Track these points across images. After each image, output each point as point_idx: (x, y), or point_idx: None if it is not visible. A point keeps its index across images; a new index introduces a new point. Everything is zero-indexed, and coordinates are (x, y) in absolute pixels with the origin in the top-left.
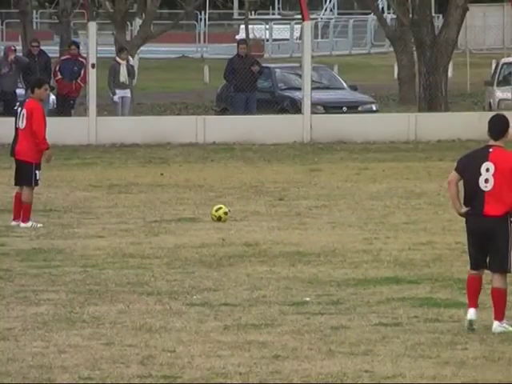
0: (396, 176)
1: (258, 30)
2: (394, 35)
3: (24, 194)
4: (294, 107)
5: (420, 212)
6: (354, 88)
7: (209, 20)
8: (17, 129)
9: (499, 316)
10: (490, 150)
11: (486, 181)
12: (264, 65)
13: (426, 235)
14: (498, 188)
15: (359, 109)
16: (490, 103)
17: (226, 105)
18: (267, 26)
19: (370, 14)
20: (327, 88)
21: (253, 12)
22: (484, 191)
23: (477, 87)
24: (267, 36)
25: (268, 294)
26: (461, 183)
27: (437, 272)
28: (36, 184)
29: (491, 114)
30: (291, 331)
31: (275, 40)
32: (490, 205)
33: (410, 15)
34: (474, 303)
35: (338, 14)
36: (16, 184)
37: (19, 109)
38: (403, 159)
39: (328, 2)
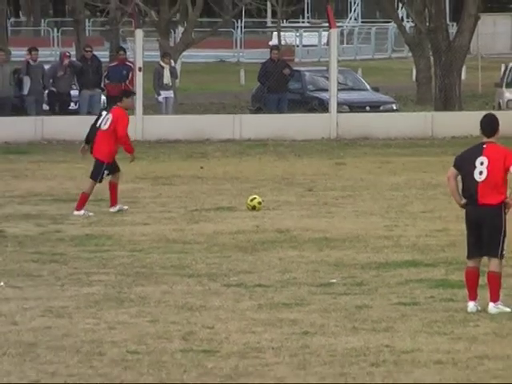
0: (414, 169)
1: (289, 37)
2: (412, 41)
3: (87, 185)
4: (322, 107)
5: (436, 202)
6: (376, 89)
7: (244, 28)
8: (97, 129)
9: (494, 297)
10: (484, 146)
11: (481, 173)
12: (294, 68)
13: (442, 223)
14: (491, 178)
15: (381, 108)
16: (499, 103)
17: (260, 104)
18: (297, 33)
19: (390, 22)
20: (352, 89)
21: (284, 20)
22: (478, 182)
23: (487, 88)
24: (297, 42)
25: (298, 276)
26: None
27: (451, 256)
28: (100, 181)
29: (501, 112)
30: (319, 310)
31: (305, 46)
32: (484, 194)
33: (427, 23)
34: (473, 296)
35: (362, 22)
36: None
37: (104, 112)
38: (421, 154)
39: (353, 11)
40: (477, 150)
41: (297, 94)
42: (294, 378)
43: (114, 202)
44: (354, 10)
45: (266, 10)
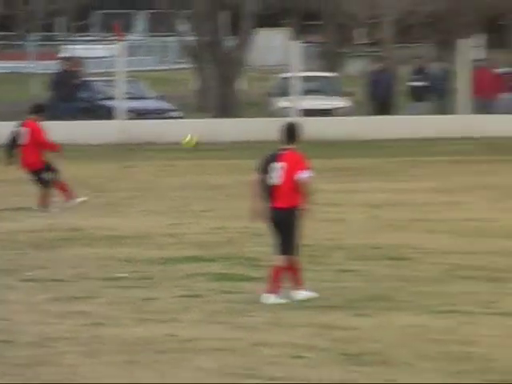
0: (198, 172)
1: (78, 49)
2: (193, 53)
3: None
4: (110, 114)
5: (216, 201)
6: (161, 98)
7: (37, 41)
8: None
9: (272, 289)
10: (282, 152)
11: (275, 178)
12: (84, 79)
13: (221, 221)
14: (284, 183)
15: (165, 115)
16: (272, 111)
17: (51, 113)
18: (87, 46)
19: (173, 35)
20: (138, 98)
21: (74, 34)
22: (272, 186)
23: (262, 97)
24: (87, 54)
25: (90, 271)
26: None
27: (229, 252)
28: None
29: (275, 119)
30: (109, 302)
31: (93, 58)
32: (278, 198)
33: (207, 37)
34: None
35: (148, 35)
36: None
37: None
38: (204, 157)
39: (139, 25)
40: (275, 156)
41: (87, 102)
42: (86, 366)
43: None
44: (140, 25)
45: (57, 24)
